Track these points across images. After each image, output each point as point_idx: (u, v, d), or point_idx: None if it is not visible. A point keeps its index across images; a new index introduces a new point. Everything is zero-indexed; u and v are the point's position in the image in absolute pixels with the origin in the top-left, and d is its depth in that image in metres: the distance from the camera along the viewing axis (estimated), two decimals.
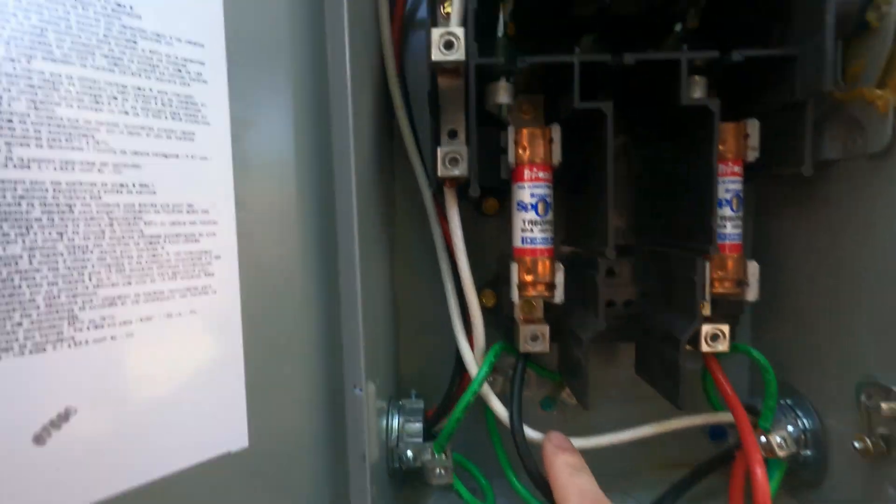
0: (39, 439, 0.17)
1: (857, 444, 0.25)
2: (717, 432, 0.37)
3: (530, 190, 0.28)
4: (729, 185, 0.28)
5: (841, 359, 0.28)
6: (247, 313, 0.23)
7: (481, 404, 0.35)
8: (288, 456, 0.25)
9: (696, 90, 0.27)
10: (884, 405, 0.24)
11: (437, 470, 0.30)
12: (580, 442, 0.32)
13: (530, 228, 0.29)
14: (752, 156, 0.28)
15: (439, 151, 0.28)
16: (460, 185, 0.31)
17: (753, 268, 0.28)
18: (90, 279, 0.18)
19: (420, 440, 0.32)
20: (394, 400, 0.34)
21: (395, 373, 0.36)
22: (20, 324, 0.17)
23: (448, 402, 0.34)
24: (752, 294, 0.28)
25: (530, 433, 0.30)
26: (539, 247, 0.29)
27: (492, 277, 0.36)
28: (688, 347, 0.32)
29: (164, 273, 0.20)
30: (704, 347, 0.30)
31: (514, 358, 0.32)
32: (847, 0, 0.23)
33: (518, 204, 0.29)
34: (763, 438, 0.29)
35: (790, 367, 0.32)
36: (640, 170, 0.33)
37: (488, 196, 0.36)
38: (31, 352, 0.17)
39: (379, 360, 0.29)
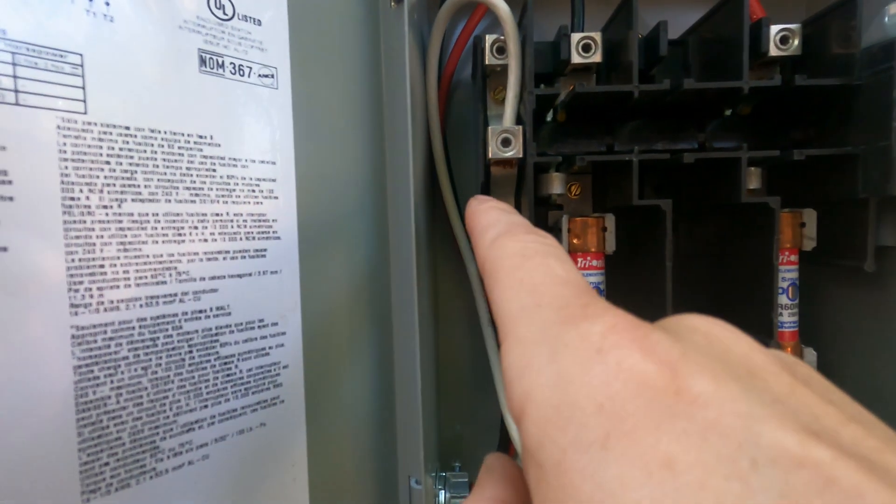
0: None
1: None
2: None
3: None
4: (785, 274, 0.28)
5: None
6: (310, 417, 0.23)
7: None
8: None
9: (752, 181, 0.27)
10: None
11: None
12: None
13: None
14: (809, 245, 0.28)
15: None
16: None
17: (811, 356, 0.28)
18: (171, 409, 0.19)
19: None
20: (438, 473, 0.34)
21: (437, 442, 0.36)
22: (107, 464, 0.17)
23: None
24: None
25: None
26: None
27: None
28: None
29: (237, 391, 0.20)
30: None
31: None
32: None
33: None
34: None
35: None
36: (691, 248, 0.33)
37: None
38: (116, 489, 0.17)
39: (433, 449, 0.29)
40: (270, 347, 0.22)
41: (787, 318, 0.28)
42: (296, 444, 0.23)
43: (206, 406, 0.20)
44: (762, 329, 0.27)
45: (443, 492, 0.33)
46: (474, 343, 0.36)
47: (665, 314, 0.26)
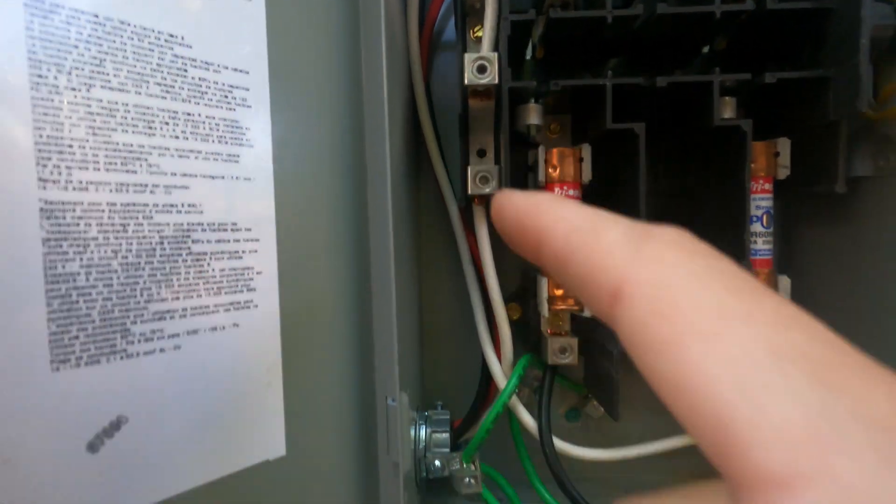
0: (93, 447, 0.18)
1: None
2: None
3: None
4: (760, 202, 0.28)
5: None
6: (285, 326, 0.23)
7: (505, 416, 0.35)
8: (321, 464, 0.25)
9: (727, 110, 0.27)
10: None
11: (467, 479, 0.30)
12: (608, 454, 0.32)
13: None
14: (783, 173, 0.28)
15: (470, 170, 0.29)
16: (489, 203, 0.31)
17: (784, 283, 0.28)
18: (142, 295, 0.19)
19: (447, 450, 0.32)
20: (420, 411, 0.35)
21: (420, 385, 0.37)
22: (76, 337, 0.18)
23: (475, 413, 0.34)
24: None
25: (558, 443, 0.31)
26: None
27: (515, 290, 0.36)
28: None
29: (209, 289, 0.21)
30: None
31: (538, 370, 0.33)
32: (882, 24, 0.23)
33: None
34: None
35: None
36: (668, 187, 0.33)
37: None
38: (86, 364, 0.18)
39: (410, 372, 0.30)
40: (244, 252, 0.22)
41: (762, 245, 0.28)
42: (270, 350, 0.23)
43: (177, 298, 0.20)
44: (735, 253, 0.27)
45: (424, 427, 0.33)
46: (458, 295, 0.36)
47: None
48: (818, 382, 0.06)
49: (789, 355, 0.07)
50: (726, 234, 0.28)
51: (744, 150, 0.26)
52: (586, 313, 0.29)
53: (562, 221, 0.10)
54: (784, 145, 0.28)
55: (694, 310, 0.07)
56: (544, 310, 0.29)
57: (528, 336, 0.35)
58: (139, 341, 0.19)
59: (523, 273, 0.36)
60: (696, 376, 0.07)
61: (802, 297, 0.30)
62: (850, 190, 0.28)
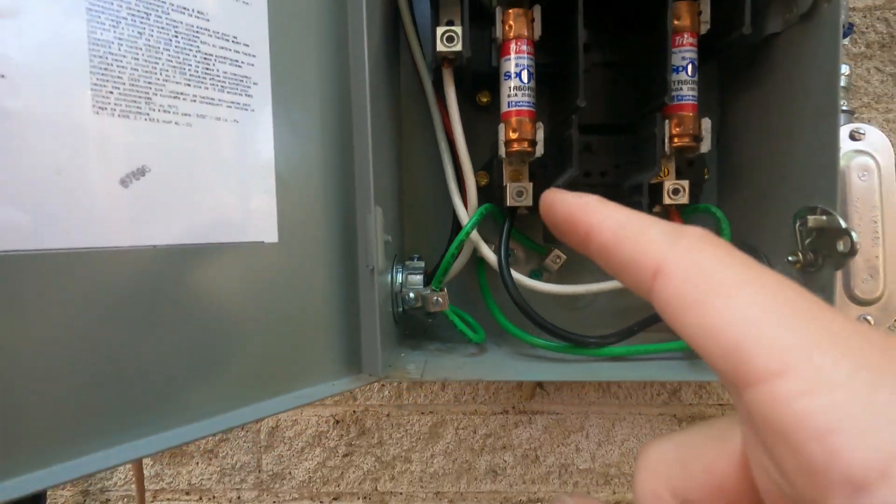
0: (124, 183, 0.23)
1: (790, 258, 0.30)
2: None
3: (515, 60, 0.33)
4: (685, 53, 0.33)
5: (783, 203, 0.33)
6: (277, 130, 0.28)
7: (474, 269, 0.40)
8: (310, 261, 0.30)
9: None
10: (810, 218, 0.29)
11: (435, 298, 0.35)
12: (562, 289, 0.36)
13: (515, 94, 0.34)
14: (705, 28, 0.33)
15: (438, 30, 0.33)
16: (457, 67, 0.36)
17: (706, 123, 0.33)
18: (161, 74, 0.24)
19: (421, 286, 0.37)
20: (398, 263, 0.39)
21: (400, 242, 0.41)
22: (111, 92, 0.22)
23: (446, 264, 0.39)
24: (705, 146, 0.33)
25: (517, 276, 0.35)
26: (523, 108, 0.34)
27: (485, 162, 0.41)
28: (656, 210, 0.36)
29: (215, 85, 0.26)
30: (667, 200, 0.35)
31: (498, 220, 0.37)
32: None
33: (504, 75, 0.34)
34: None
35: (748, 228, 0.37)
36: (612, 55, 0.38)
37: (483, 88, 0.41)
38: (119, 115, 0.23)
39: (386, 202, 0.34)
40: (242, 62, 0.27)
41: (687, 91, 0.33)
42: (264, 149, 0.28)
43: (188, 85, 0.25)
44: (660, 92, 0.32)
45: (401, 273, 0.38)
46: (436, 162, 0.41)
47: (579, 80, 0.31)
48: (798, 316, 0.09)
49: (783, 304, 0.09)
50: (657, 81, 0.32)
51: (665, 8, 0.31)
52: (538, 153, 0.34)
53: (609, 219, 0.12)
54: (706, 4, 0.33)
55: (717, 279, 0.10)
56: (502, 151, 0.34)
57: (493, 195, 0.39)
58: (159, 111, 0.24)
59: (492, 146, 0.41)
60: (718, 321, 0.09)
61: (732, 158, 0.35)
62: (766, 47, 0.33)
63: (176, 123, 0.24)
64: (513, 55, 0.33)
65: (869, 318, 0.33)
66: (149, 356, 0.24)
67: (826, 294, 0.29)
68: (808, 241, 0.29)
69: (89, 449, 0.22)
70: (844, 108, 0.35)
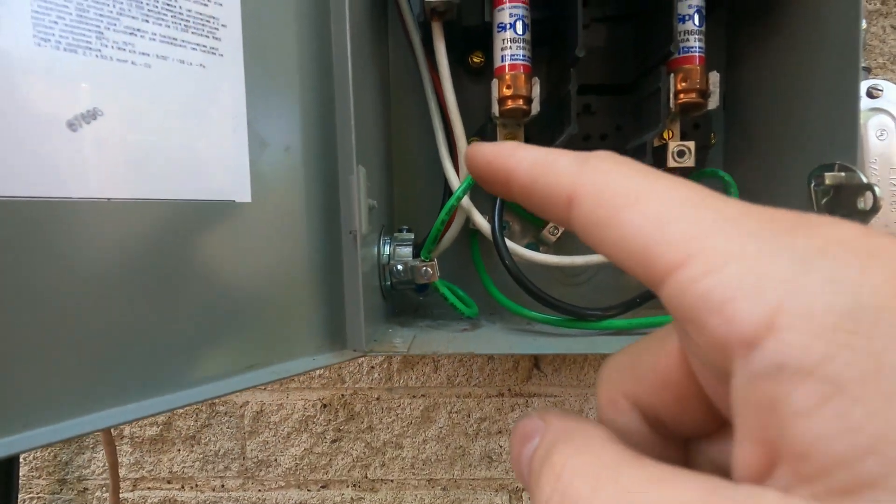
0: (73, 126, 0.20)
1: None
2: None
3: (509, 10, 0.31)
4: (692, 1, 0.31)
5: (797, 164, 0.31)
6: (250, 80, 0.26)
7: (467, 241, 0.38)
8: (288, 224, 0.28)
9: None
10: (827, 175, 0.26)
11: (424, 269, 0.32)
12: (560, 259, 0.34)
13: (510, 46, 0.31)
14: None
15: None
16: (447, 22, 0.33)
17: (715, 77, 0.31)
18: (114, 6, 0.21)
19: (410, 258, 0.34)
20: (387, 234, 0.37)
21: (389, 213, 0.39)
22: (56, 22, 0.20)
23: (436, 232, 0.36)
24: (713, 102, 0.31)
25: (511, 245, 0.33)
26: (518, 62, 0.31)
27: (479, 127, 0.39)
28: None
29: (177, 23, 0.23)
30: (672, 163, 0.33)
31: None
32: None
33: (498, 26, 0.32)
34: None
35: (759, 192, 0.35)
36: (611, 14, 0.35)
37: (475, 48, 0.38)
38: (65, 49, 0.20)
39: (371, 164, 0.32)
40: (209, 1, 0.24)
41: (694, 42, 0.31)
42: (235, 99, 0.25)
43: (147, 21, 0.22)
44: (665, 42, 0.29)
45: (389, 244, 0.36)
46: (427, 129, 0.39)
47: (577, 30, 0.29)
48: (695, 209, 0.10)
49: (681, 202, 0.10)
50: (659, 32, 0.30)
51: None
52: (535, 111, 0.31)
53: (523, 160, 0.13)
54: None
55: (621, 193, 0.10)
56: (496, 109, 0.32)
57: None
58: (112, 47, 0.21)
59: (485, 110, 0.38)
60: (627, 231, 0.10)
61: (741, 122, 0.32)
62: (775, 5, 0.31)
63: (133, 63, 0.22)
64: (507, 4, 0.31)
65: None
66: (99, 324, 0.22)
67: None
68: (824, 200, 0.27)
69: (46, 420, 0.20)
70: (863, 63, 0.33)
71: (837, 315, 0.08)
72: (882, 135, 0.31)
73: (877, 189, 0.24)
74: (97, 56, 0.21)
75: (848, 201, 0.26)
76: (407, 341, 0.31)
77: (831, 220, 0.09)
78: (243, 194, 0.26)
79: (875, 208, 0.24)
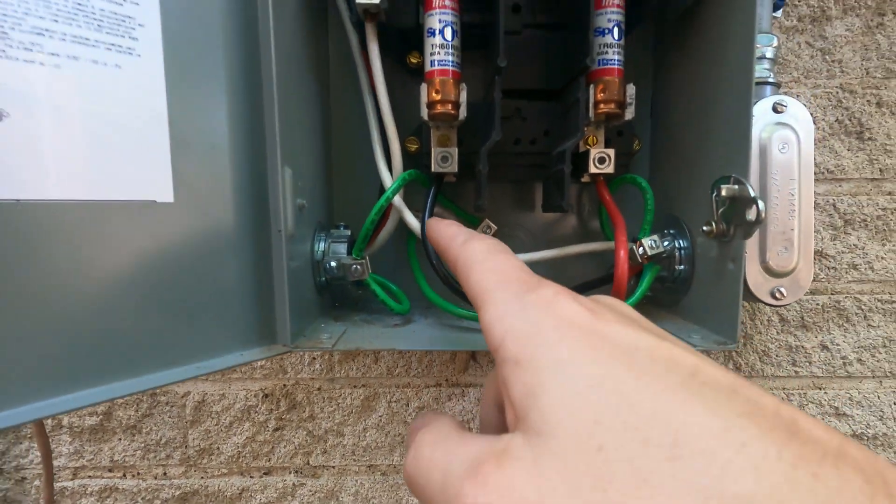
0: None
1: (705, 228, 0.30)
2: None
3: (438, 16, 0.32)
4: (611, 15, 0.32)
5: (705, 176, 0.33)
6: (171, 83, 0.26)
7: (403, 240, 0.39)
8: (214, 223, 0.28)
9: None
10: (724, 187, 0.29)
11: (354, 267, 0.33)
12: None
13: (438, 52, 0.32)
14: None
15: None
16: (381, 24, 0.34)
17: (631, 89, 0.32)
18: (19, 5, 0.21)
19: (344, 255, 0.35)
20: (323, 231, 0.38)
21: (327, 210, 0.40)
22: None
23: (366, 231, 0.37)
24: (629, 113, 0.32)
25: None
26: (447, 67, 0.32)
27: (416, 127, 0.40)
28: (584, 179, 0.36)
29: (89, 23, 0.23)
30: (593, 169, 0.34)
31: (423, 185, 0.36)
32: None
33: (428, 31, 0.32)
34: (640, 247, 0.34)
35: (674, 198, 0.37)
36: (542, 22, 0.37)
37: (413, 49, 0.39)
38: None
39: (300, 157, 0.32)
40: (124, 0, 0.24)
41: (613, 55, 0.32)
42: (155, 99, 0.25)
43: (55, 20, 0.22)
44: (583, 55, 0.31)
45: (324, 241, 0.37)
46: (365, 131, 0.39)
47: (499, 39, 0.30)
48: (494, 273, 0.16)
49: (493, 268, 0.17)
50: (577, 44, 0.31)
51: None
52: (462, 116, 0.32)
53: (443, 237, 0.20)
54: None
55: (471, 261, 0.17)
56: (424, 114, 0.32)
57: (423, 161, 0.38)
58: (18, 48, 0.21)
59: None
60: (471, 283, 0.17)
61: (663, 131, 0.34)
62: (694, 10, 0.33)
63: (41, 63, 0.22)
64: (436, 10, 0.32)
65: (782, 289, 0.34)
66: (15, 328, 0.22)
67: (736, 264, 0.29)
68: (721, 210, 0.29)
69: None
70: (771, 80, 0.35)
71: (526, 334, 0.14)
72: (784, 148, 0.34)
73: (761, 203, 0.26)
74: (2, 57, 0.21)
75: (740, 212, 0.28)
76: (335, 337, 0.32)
77: (551, 284, 0.15)
78: (165, 194, 0.26)
79: (758, 220, 0.27)
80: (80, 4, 0.23)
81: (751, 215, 0.27)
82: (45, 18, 0.22)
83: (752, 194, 0.27)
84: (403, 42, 0.37)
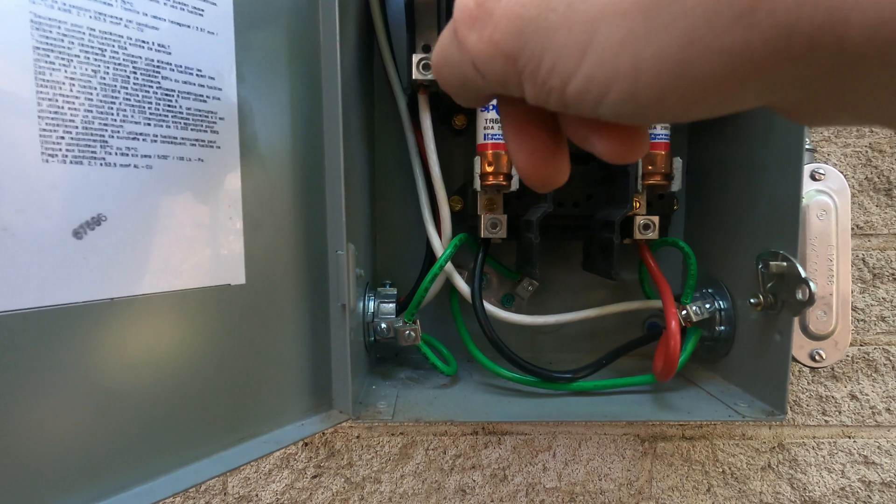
0: (78, 234, 0.21)
1: (752, 300, 0.31)
2: (652, 327, 0.42)
3: None
4: None
5: (747, 242, 0.34)
6: (245, 170, 0.27)
7: (447, 296, 0.40)
8: (279, 299, 0.29)
9: None
10: (772, 264, 0.30)
11: (407, 332, 0.34)
12: (533, 319, 0.37)
13: (491, 126, 0.33)
14: None
15: (414, 58, 0.32)
16: (432, 94, 0.35)
17: (678, 162, 0.33)
18: (118, 115, 0.22)
19: (393, 316, 0.36)
20: (371, 290, 0.39)
21: (372, 268, 0.41)
22: (62, 138, 0.21)
23: (418, 289, 0.38)
24: (676, 185, 0.33)
25: (489, 307, 0.35)
26: (500, 142, 0.33)
27: (460, 186, 0.41)
28: (627, 241, 0.37)
29: (177, 123, 0.24)
30: (637, 235, 0.35)
31: (472, 249, 0.37)
32: None
33: (481, 107, 0.33)
34: (683, 311, 0.35)
35: (713, 260, 0.38)
36: None
37: (458, 112, 0.40)
38: (71, 162, 0.21)
39: (358, 231, 0.33)
40: (208, 97, 0.25)
41: (660, 130, 0.33)
42: (232, 187, 0.26)
43: (149, 124, 0.23)
44: None
45: (373, 300, 0.37)
46: (410, 189, 0.40)
47: None
48: None
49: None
50: None
51: None
52: (514, 188, 0.34)
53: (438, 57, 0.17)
54: None
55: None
56: (477, 184, 0.34)
57: (466, 221, 0.39)
58: (116, 154, 0.22)
59: (466, 171, 0.40)
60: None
61: (700, 196, 0.35)
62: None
63: (135, 167, 0.23)
64: None
65: (822, 352, 0.35)
66: (109, 416, 0.23)
67: (784, 337, 0.30)
68: (769, 284, 0.31)
69: None
70: (807, 146, 0.36)
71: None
72: (822, 215, 0.35)
73: (812, 284, 0.27)
74: (101, 164, 0.22)
75: (788, 289, 0.29)
76: (391, 404, 0.33)
77: None
78: (238, 277, 0.27)
79: (810, 301, 0.28)
80: (170, 106, 0.24)
81: (801, 295, 0.28)
82: (139, 123, 0.23)
83: (803, 275, 0.28)
84: (448, 105, 0.39)
